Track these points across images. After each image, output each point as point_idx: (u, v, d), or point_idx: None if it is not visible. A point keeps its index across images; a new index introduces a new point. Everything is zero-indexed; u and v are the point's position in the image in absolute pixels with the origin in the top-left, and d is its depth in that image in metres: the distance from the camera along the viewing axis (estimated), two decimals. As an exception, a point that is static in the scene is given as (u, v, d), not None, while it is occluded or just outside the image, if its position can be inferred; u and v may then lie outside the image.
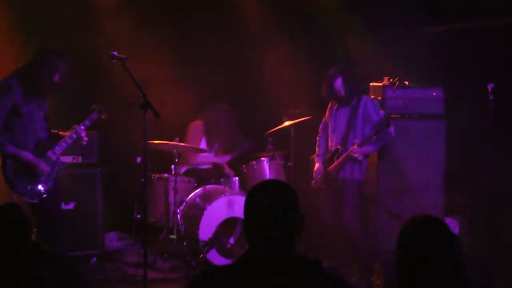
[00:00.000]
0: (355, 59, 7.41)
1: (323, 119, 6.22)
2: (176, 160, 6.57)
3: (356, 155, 5.72)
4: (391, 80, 6.82)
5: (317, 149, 6.22)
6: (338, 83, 5.86)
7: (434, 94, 6.82)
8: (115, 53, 4.77)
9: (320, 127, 6.25)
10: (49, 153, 5.03)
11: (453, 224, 6.66)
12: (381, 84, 6.85)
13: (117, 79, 5.65)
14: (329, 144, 6.04)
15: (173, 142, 6.47)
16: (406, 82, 6.83)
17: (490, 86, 6.19)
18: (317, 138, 6.25)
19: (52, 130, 5.19)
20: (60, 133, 5.21)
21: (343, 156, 5.80)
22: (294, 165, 6.71)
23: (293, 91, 7.58)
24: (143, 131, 4.78)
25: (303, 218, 2.34)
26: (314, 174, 6.10)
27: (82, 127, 5.17)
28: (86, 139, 5.19)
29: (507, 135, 6.84)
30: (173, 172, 6.56)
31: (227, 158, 7.20)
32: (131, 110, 6.59)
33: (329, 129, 6.05)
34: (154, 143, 6.35)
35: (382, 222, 6.73)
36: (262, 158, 6.95)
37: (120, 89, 6.35)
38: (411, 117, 6.79)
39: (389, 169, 6.72)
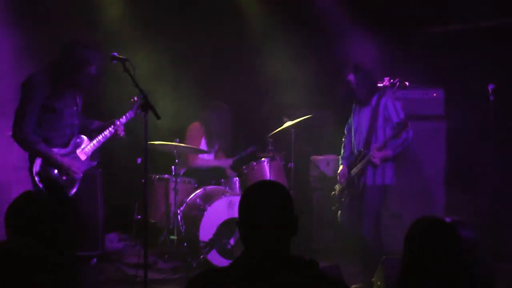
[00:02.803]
0: (355, 59, 7.41)
1: (349, 121, 6.01)
2: (177, 161, 6.58)
3: (375, 159, 5.55)
4: (391, 81, 6.82)
5: (342, 150, 6.03)
6: (350, 79, 5.71)
7: (435, 95, 6.83)
8: (116, 53, 4.76)
9: (345, 128, 6.06)
10: (80, 152, 4.96)
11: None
12: (381, 85, 6.85)
13: (117, 80, 5.64)
14: (353, 145, 5.87)
15: (173, 143, 6.47)
16: (407, 83, 6.83)
17: (490, 87, 6.20)
18: (343, 139, 6.05)
19: (91, 124, 5.10)
20: (96, 125, 5.12)
21: (363, 160, 5.65)
22: (295, 166, 6.71)
23: (294, 91, 7.59)
24: (143, 132, 4.78)
25: (297, 218, 2.35)
26: (338, 177, 5.88)
27: (123, 120, 5.10)
28: (123, 133, 5.10)
29: (507, 135, 6.84)
30: (173, 173, 6.56)
31: (228, 162, 7.19)
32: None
33: (353, 129, 5.89)
34: (154, 143, 6.36)
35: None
36: (263, 159, 6.95)
37: (120, 89, 6.35)
38: (412, 118, 6.79)
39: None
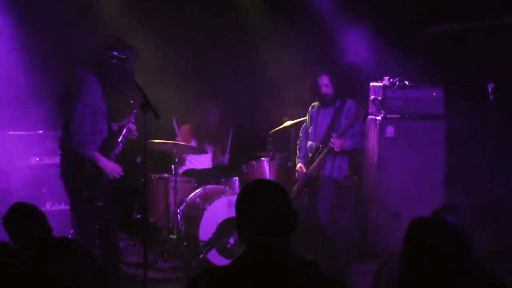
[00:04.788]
0: (355, 59, 7.41)
1: (304, 124, 6.24)
2: (176, 160, 6.58)
3: (334, 145, 5.71)
4: (391, 80, 6.82)
5: (298, 152, 6.24)
6: (324, 81, 5.88)
7: (434, 94, 6.83)
8: (115, 53, 4.75)
9: (301, 131, 6.25)
10: (112, 155, 4.97)
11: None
12: (381, 84, 6.86)
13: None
14: (308, 147, 6.06)
15: (173, 141, 6.48)
16: (406, 82, 6.84)
17: (490, 86, 6.19)
18: (298, 142, 6.26)
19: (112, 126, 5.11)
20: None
21: (322, 153, 5.83)
22: (294, 165, 6.70)
23: (294, 91, 7.58)
24: (143, 131, 4.78)
25: (296, 215, 2.35)
26: (296, 174, 6.10)
27: (132, 120, 5.10)
28: (137, 134, 5.11)
29: (507, 135, 6.84)
30: (173, 172, 6.56)
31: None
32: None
33: (311, 132, 6.07)
34: (154, 142, 6.36)
35: (382, 222, 6.74)
36: (262, 158, 6.96)
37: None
38: (411, 117, 6.81)
39: (389, 169, 6.73)
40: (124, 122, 5.12)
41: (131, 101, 5.13)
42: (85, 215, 4.86)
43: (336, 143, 5.72)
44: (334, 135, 5.77)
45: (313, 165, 5.93)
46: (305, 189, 5.99)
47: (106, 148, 4.92)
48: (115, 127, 5.14)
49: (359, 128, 5.85)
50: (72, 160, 4.77)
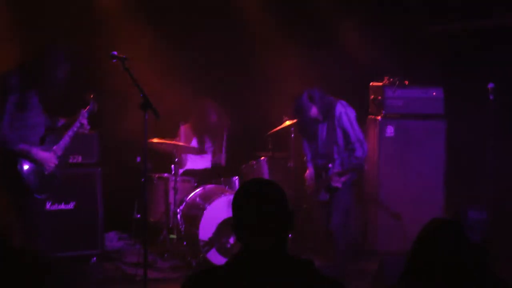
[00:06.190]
0: (355, 58, 7.41)
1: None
2: (176, 159, 6.58)
3: (336, 184, 5.59)
4: (391, 79, 6.83)
5: (305, 154, 6.02)
6: (314, 112, 5.69)
7: (434, 94, 6.83)
8: (115, 52, 4.75)
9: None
10: (55, 148, 4.93)
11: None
12: (381, 84, 6.86)
13: (117, 79, 5.64)
14: (312, 150, 5.89)
15: (173, 142, 6.49)
16: (406, 82, 6.84)
17: (490, 86, 6.19)
18: (302, 142, 6.06)
19: (59, 121, 5.10)
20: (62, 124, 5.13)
21: (326, 177, 5.68)
22: (294, 165, 6.70)
23: (293, 90, 7.58)
24: (143, 130, 4.77)
25: (293, 214, 2.35)
26: (306, 179, 5.95)
27: (85, 114, 5.07)
28: (88, 127, 5.10)
29: (507, 135, 6.84)
30: (173, 172, 6.57)
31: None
32: (131, 110, 6.60)
33: (310, 138, 5.89)
34: (153, 141, 6.36)
35: (382, 222, 6.74)
36: (262, 158, 6.96)
37: (120, 89, 6.35)
38: (411, 116, 6.81)
39: (389, 169, 6.74)
40: (76, 116, 5.08)
41: (85, 97, 5.13)
42: (31, 212, 4.86)
43: (336, 181, 5.58)
44: (334, 172, 5.60)
45: (320, 182, 5.75)
46: (313, 192, 5.87)
47: (49, 141, 4.90)
48: (61, 121, 5.12)
49: (354, 136, 5.60)
50: (6, 160, 4.74)
